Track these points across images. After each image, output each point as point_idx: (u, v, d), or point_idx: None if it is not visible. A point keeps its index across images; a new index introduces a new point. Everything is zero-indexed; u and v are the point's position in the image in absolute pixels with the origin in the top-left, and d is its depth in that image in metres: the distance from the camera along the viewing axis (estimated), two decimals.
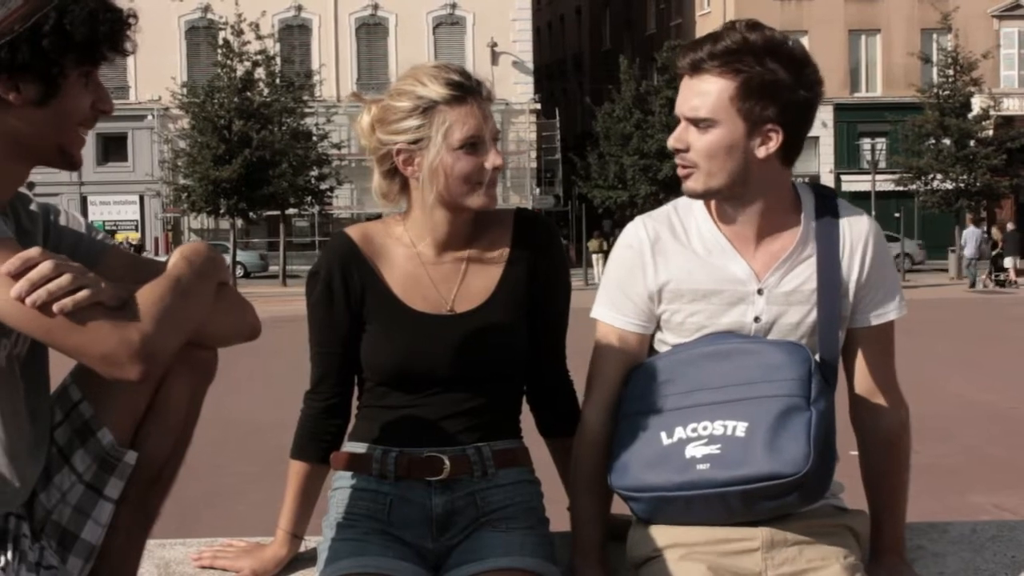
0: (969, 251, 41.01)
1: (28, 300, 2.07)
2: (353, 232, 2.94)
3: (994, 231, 42.31)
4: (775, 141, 2.71)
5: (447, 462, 2.85)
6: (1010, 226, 42.37)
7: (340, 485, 2.92)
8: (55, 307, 2.08)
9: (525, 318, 2.91)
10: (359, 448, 2.90)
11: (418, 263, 2.89)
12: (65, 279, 2.10)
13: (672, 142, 2.76)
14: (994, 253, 40.28)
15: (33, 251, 2.12)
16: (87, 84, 2.29)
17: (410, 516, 2.85)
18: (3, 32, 2.17)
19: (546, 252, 2.95)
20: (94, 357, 2.13)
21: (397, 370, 2.85)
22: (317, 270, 2.90)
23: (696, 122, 2.72)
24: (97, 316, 2.11)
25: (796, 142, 2.76)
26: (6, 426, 2.30)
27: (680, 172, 2.78)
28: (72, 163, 2.35)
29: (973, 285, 39.26)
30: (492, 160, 2.81)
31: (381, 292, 2.87)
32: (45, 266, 2.10)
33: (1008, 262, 39.69)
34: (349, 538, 2.83)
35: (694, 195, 2.79)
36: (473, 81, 2.83)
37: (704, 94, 2.70)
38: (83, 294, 2.10)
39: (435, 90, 2.78)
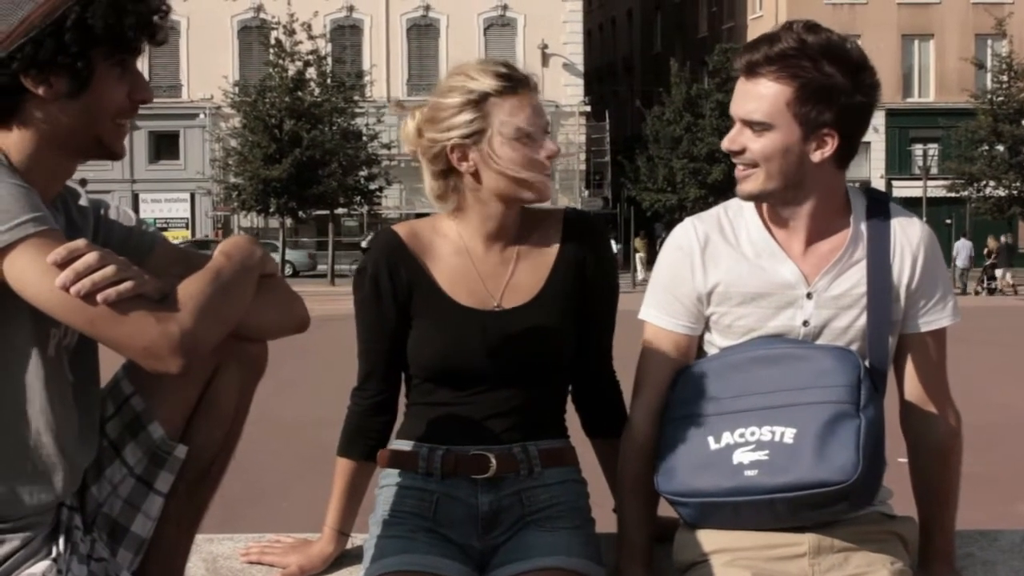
0: (961, 262, 41.39)
1: (72, 290, 2.09)
2: (400, 228, 2.93)
3: (990, 241, 42.99)
4: (831, 146, 2.70)
5: (493, 460, 2.84)
6: (1004, 239, 42.98)
7: (387, 483, 2.92)
8: (99, 297, 2.09)
9: (573, 316, 2.89)
10: (406, 446, 2.90)
11: (466, 258, 2.88)
12: (110, 270, 2.11)
13: (727, 144, 2.75)
14: (987, 263, 40.88)
15: (79, 242, 2.14)
16: (122, 74, 2.30)
17: (456, 514, 2.85)
18: (28, 28, 2.19)
19: (595, 251, 2.93)
20: (136, 349, 2.14)
21: (443, 366, 2.85)
22: (364, 267, 2.90)
23: (751, 125, 2.71)
24: (139, 308, 2.12)
25: (852, 146, 2.75)
26: (55, 415, 2.32)
27: (738, 173, 2.77)
28: (113, 154, 2.35)
29: (964, 293, 39.42)
30: (547, 149, 2.81)
31: (428, 287, 2.86)
32: (90, 256, 2.11)
33: (999, 272, 40.86)
34: (395, 535, 2.83)
35: (749, 197, 2.78)
36: (521, 73, 2.84)
37: (760, 98, 2.69)
38: (126, 285, 2.11)
39: (486, 82, 2.78)
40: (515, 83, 2.80)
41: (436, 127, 2.83)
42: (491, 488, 2.85)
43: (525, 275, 2.89)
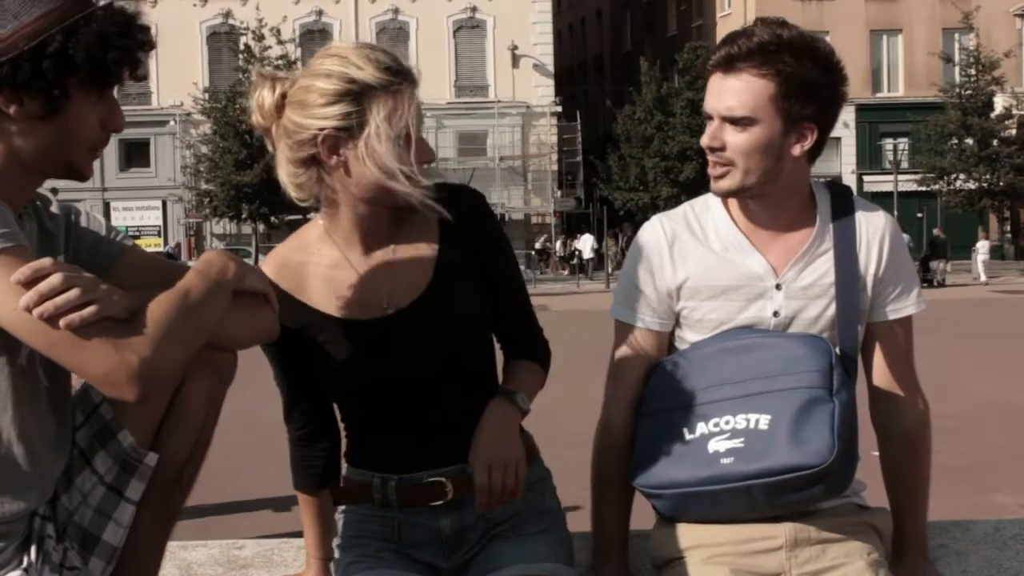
0: None
1: (35, 312, 2.07)
2: (267, 266, 2.77)
3: (936, 231, 44.20)
4: (810, 140, 2.72)
5: (449, 485, 2.71)
6: (936, 231, 43.95)
7: (348, 508, 2.83)
8: (61, 322, 2.08)
9: (476, 296, 2.73)
10: (356, 475, 2.79)
11: (346, 268, 2.72)
12: (74, 293, 2.09)
13: (707, 140, 2.74)
14: (922, 256, 41.90)
15: (44, 261, 2.12)
16: (98, 102, 2.28)
17: (420, 537, 2.76)
18: (7, 48, 2.18)
19: (476, 221, 2.75)
20: (93, 376, 2.13)
21: (357, 386, 2.70)
22: None
23: (733, 120, 2.70)
24: (100, 335, 2.11)
25: (825, 139, 2.76)
26: (27, 424, 2.30)
27: (713, 171, 2.76)
28: (81, 176, 2.34)
29: None
30: (423, 154, 2.59)
31: (313, 316, 2.71)
32: (55, 278, 2.09)
33: (934, 264, 41.82)
34: (363, 555, 2.74)
35: (727, 193, 2.78)
36: (405, 67, 2.59)
37: (741, 92, 2.68)
38: (90, 310, 2.10)
39: (371, 74, 2.53)
40: (400, 78, 2.56)
41: (305, 111, 2.57)
42: (451, 510, 2.74)
43: (410, 270, 2.71)
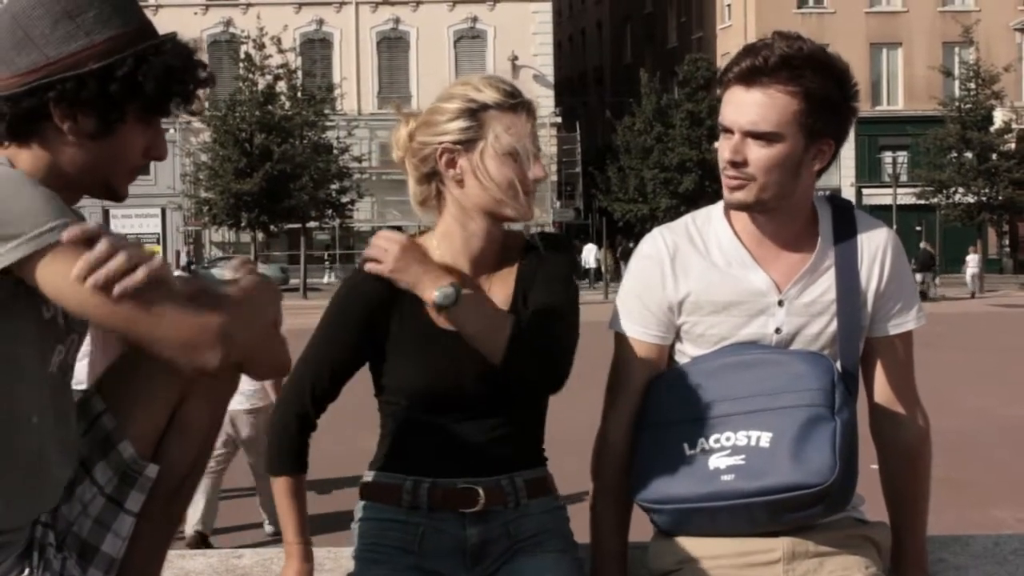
0: None
1: (88, 282, 2.05)
2: None
3: (923, 245, 44.35)
4: (827, 155, 2.71)
5: (482, 494, 2.78)
6: (923, 245, 44.00)
7: (367, 515, 2.85)
8: (115, 290, 2.05)
9: None
10: (386, 478, 2.84)
11: None
12: (121, 257, 2.07)
13: (729, 155, 2.69)
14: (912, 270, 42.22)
15: (92, 224, 2.12)
16: (145, 130, 2.31)
17: (443, 546, 2.79)
18: (77, 64, 2.19)
19: (548, 261, 2.86)
20: (177, 342, 2.12)
21: (430, 391, 2.77)
22: (346, 288, 2.85)
23: (756, 135, 2.66)
24: (177, 305, 2.11)
25: (836, 155, 2.76)
26: (47, 430, 2.30)
27: (731, 183, 2.72)
28: (117, 198, 2.36)
29: None
30: (535, 171, 2.76)
31: (410, 315, 2.78)
32: (101, 246, 2.08)
33: (919, 277, 41.51)
34: (382, 574, 2.77)
35: (741, 206, 2.76)
36: (524, 96, 2.82)
37: (765, 107, 2.65)
38: (140, 273, 2.07)
39: (488, 94, 2.75)
40: (516, 102, 2.77)
41: (430, 130, 2.78)
42: (478, 520, 2.80)
43: (496, 295, 2.82)
